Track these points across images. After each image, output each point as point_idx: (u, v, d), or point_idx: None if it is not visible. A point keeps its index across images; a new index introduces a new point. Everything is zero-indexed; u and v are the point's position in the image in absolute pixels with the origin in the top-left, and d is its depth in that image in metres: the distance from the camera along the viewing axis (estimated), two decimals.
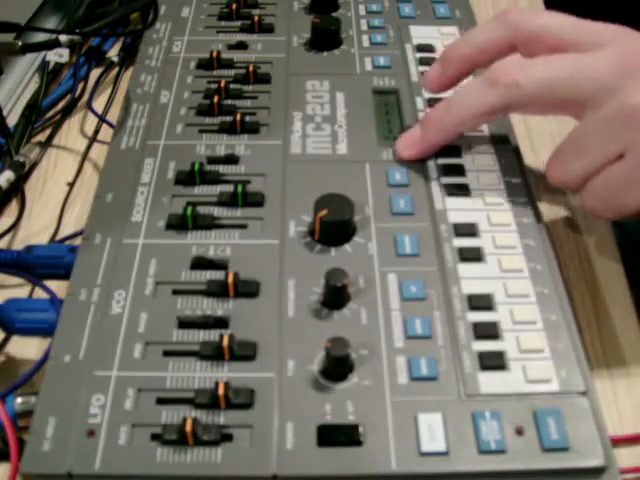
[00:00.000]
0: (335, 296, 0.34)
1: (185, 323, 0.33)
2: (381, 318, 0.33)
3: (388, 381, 0.31)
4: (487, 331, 0.33)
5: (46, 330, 0.34)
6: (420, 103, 0.44)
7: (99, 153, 0.48)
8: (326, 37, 0.49)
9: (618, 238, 0.42)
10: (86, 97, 0.52)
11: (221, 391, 0.30)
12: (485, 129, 0.42)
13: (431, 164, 0.40)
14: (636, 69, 0.34)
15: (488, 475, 0.29)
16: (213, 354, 0.32)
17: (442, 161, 0.41)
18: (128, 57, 0.55)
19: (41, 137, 0.50)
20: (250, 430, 0.30)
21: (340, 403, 0.30)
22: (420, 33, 0.50)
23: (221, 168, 0.40)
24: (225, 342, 0.31)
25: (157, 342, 0.33)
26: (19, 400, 0.32)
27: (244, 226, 0.38)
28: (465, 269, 0.35)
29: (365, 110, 0.44)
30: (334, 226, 0.36)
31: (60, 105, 0.52)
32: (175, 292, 0.35)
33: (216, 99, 0.44)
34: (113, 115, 0.49)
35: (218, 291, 0.34)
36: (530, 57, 0.37)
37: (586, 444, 0.29)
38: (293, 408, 0.30)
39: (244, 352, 0.32)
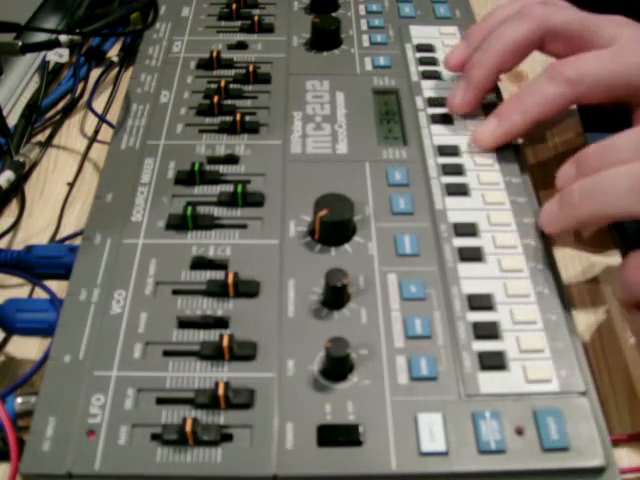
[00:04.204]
0: (335, 296, 0.34)
1: (185, 323, 0.33)
2: (381, 318, 0.33)
3: (388, 381, 0.31)
4: (487, 331, 0.33)
5: (46, 330, 0.34)
6: (420, 103, 0.44)
7: (99, 153, 0.48)
8: (326, 37, 0.49)
9: (619, 242, 0.41)
10: (86, 97, 0.52)
11: (221, 391, 0.30)
12: None
13: (431, 163, 0.41)
14: None
15: (488, 475, 0.29)
16: (213, 354, 0.32)
17: (442, 161, 0.41)
18: (128, 57, 0.55)
19: (41, 137, 0.50)
20: (250, 430, 0.30)
21: (340, 403, 0.30)
22: (420, 33, 0.50)
23: (221, 168, 0.40)
24: (225, 342, 0.31)
25: (157, 342, 0.33)
26: (19, 400, 0.32)
27: (244, 226, 0.38)
28: (465, 269, 0.35)
29: (365, 110, 0.44)
30: (334, 226, 0.36)
31: (60, 105, 0.52)
32: (175, 292, 0.35)
33: (216, 99, 0.44)
34: (113, 115, 0.49)
35: (218, 291, 0.34)
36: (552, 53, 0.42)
37: (586, 444, 0.29)
38: (293, 408, 0.30)
39: (244, 352, 0.32)
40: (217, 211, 0.38)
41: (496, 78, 0.42)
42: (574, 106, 0.50)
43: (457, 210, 0.38)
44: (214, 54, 0.47)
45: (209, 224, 0.37)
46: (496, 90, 0.45)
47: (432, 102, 0.44)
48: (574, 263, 0.40)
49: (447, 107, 0.43)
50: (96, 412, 0.30)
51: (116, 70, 0.54)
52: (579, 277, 0.40)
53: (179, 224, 0.37)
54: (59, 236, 0.43)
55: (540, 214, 0.37)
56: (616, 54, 0.39)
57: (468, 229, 0.37)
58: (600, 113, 0.46)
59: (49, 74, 0.53)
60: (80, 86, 0.53)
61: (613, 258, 0.40)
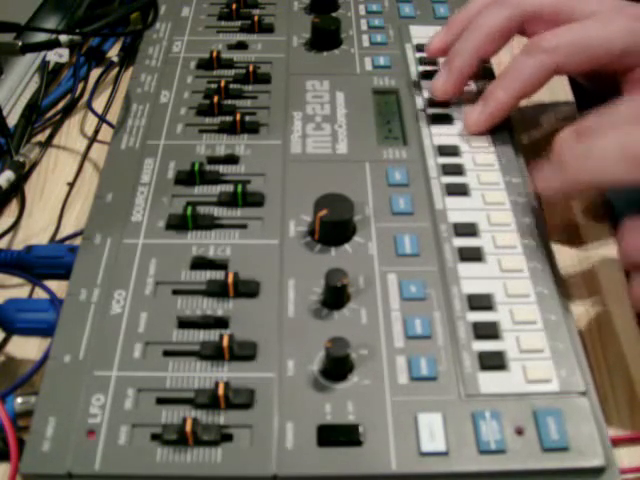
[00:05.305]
0: (335, 296, 0.34)
1: (185, 323, 0.33)
2: (381, 318, 0.33)
3: (388, 381, 0.31)
4: (487, 331, 0.33)
5: (46, 330, 0.34)
6: (420, 103, 0.44)
7: (99, 153, 0.48)
8: (326, 37, 0.49)
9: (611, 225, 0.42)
10: (86, 97, 0.52)
11: (221, 391, 0.30)
12: None
13: (431, 163, 0.41)
14: None
15: (488, 475, 0.29)
16: (213, 354, 0.32)
17: (442, 161, 0.41)
18: (128, 57, 0.55)
19: (41, 137, 0.50)
20: (250, 430, 0.30)
21: (340, 403, 0.30)
22: (420, 33, 0.50)
23: (221, 168, 0.40)
24: (225, 342, 0.31)
25: (157, 342, 0.33)
26: (19, 400, 0.32)
27: (244, 226, 0.38)
28: (465, 269, 0.35)
29: (365, 110, 0.44)
30: (334, 226, 0.36)
31: (60, 105, 0.52)
32: (175, 292, 0.35)
33: (216, 99, 0.44)
34: (113, 115, 0.49)
35: (218, 291, 0.34)
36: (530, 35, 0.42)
37: (586, 444, 0.29)
38: (293, 408, 0.30)
39: (244, 352, 0.32)
40: (217, 211, 0.38)
41: (477, 65, 0.43)
42: (573, 101, 0.50)
43: (457, 210, 0.38)
44: (214, 54, 0.47)
45: (209, 224, 0.37)
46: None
47: (432, 102, 0.44)
48: (574, 263, 0.40)
49: (430, 92, 0.44)
50: (96, 412, 0.30)
51: (116, 70, 0.54)
52: (579, 277, 0.40)
53: (179, 224, 0.37)
54: (59, 236, 0.43)
55: (536, 179, 0.38)
56: (594, 23, 0.40)
57: (468, 229, 0.37)
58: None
59: (49, 74, 0.53)
60: (80, 86, 0.53)
61: (613, 258, 0.40)
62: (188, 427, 0.29)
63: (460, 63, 0.43)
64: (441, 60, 0.46)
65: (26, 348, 0.37)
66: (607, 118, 0.35)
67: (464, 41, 0.43)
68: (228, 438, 0.30)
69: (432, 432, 0.29)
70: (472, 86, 0.45)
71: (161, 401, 0.31)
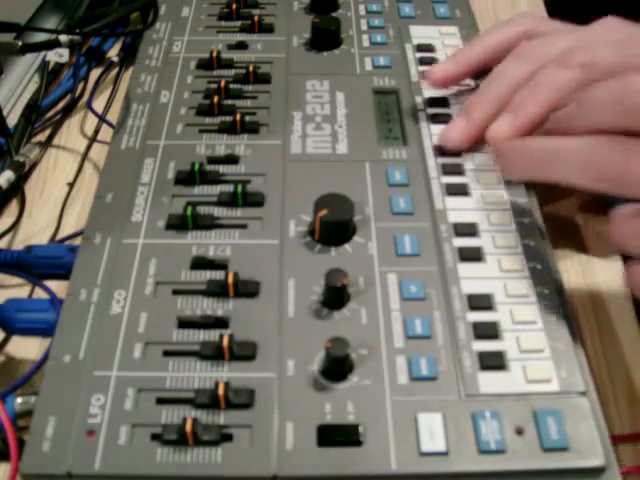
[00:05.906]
0: (335, 296, 0.34)
1: (185, 323, 0.33)
2: (381, 318, 0.33)
3: (388, 381, 0.31)
4: (487, 331, 0.33)
5: (46, 330, 0.34)
6: (420, 103, 0.44)
7: (99, 153, 0.48)
8: (326, 37, 0.49)
9: None
10: (86, 97, 0.52)
11: (221, 391, 0.30)
12: None
13: (431, 163, 0.41)
14: None
15: (488, 475, 0.29)
16: (213, 354, 0.32)
17: (442, 161, 0.41)
18: (128, 57, 0.55)
19: (41, 137, 0.50)
20: (250, 430, 0.30)
21: (340, 403, 0.30)
22: (420, 33, 0.50)
23: (221, 168, 0.40)
24: (225, 342, 0.31)
25: (157, 342, 0.33)
26: (19, 400, 0.32)
27: (244, 226, 0.38)
28: (465, 269, 0.35)
29: (365, 110, 0.44)
30: (334, 226, 0.36)
31: (60, 105, 0.52)
32: (175, 292, 0.35)
33: (216, 99, 0.44)
34: (113, 115, 0.49)
35: (218, 291, 0.34)
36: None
37: (586, 444, 0.29)
38: (293, 408, 0.30)
39: (244, 352, 0.32)
40: (217, 211, 0.38)
41: (495, 118, 0.40)
42: None
43: (457, 210, 0.38)
44: (214, 54, 0.47)
45: (209, 224, 0.37)
46: None
47: (432, 102, 0.44)
48: (574, 263, 0.40)
49: (441, 140, 0.41)
50: (96, 412, 0.30)
51: (116, 70, 0.55)
52: (579, 277, 0.40)
53: (179, 224, 0.37)
54: (59, 236, 0.43)
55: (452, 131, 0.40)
56: (626, 40, 0.38)
57: (468, 229, 0.37)
58: None
59: (49, 74, 0.53)
60: (80, 86, 0.53)
61: (613, 258, 0.40)
62: (188, 427, 0.29)
63: (479, 116, 0.40)
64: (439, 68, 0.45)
65: (26, 348, 0.37)
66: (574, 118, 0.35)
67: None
68: (228, 438, 0.30)
69: (432, 432, 0.30)
70: (471, 84, 0.45)
71: (161, 401, 0.31)
